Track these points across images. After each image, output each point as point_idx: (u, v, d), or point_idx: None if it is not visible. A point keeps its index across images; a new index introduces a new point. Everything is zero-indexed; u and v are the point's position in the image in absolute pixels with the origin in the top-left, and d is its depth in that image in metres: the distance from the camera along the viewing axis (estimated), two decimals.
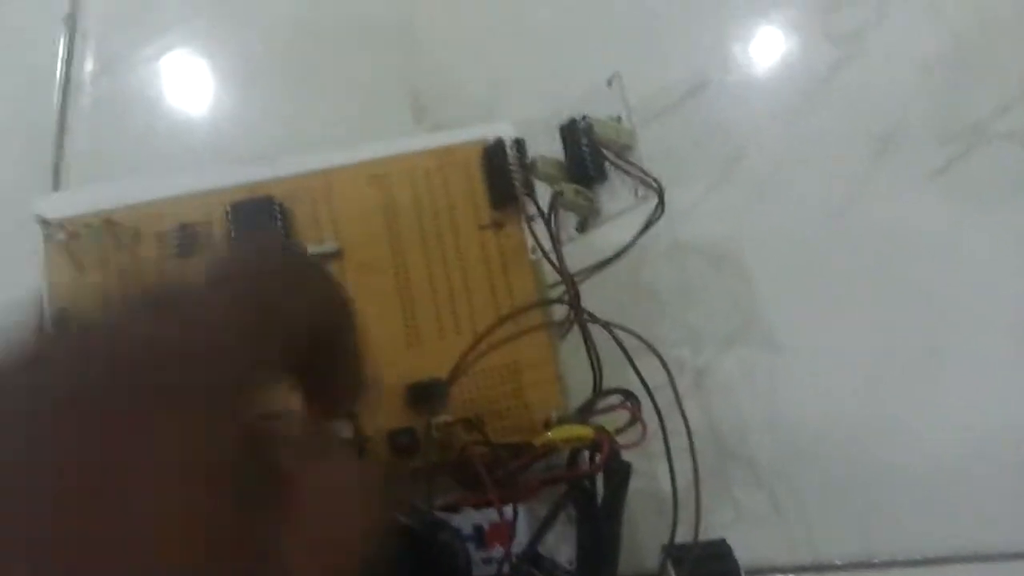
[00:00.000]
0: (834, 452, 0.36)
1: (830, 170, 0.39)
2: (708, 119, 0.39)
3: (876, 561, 0.35)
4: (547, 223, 0.30)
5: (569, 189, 0.30)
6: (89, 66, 0.42)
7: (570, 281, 0.29)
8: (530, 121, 0.37)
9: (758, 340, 0.37)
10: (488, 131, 0.35)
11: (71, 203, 0.35)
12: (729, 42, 0.41)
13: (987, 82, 0.41)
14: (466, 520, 0.29)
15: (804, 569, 0.35)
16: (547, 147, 0.34)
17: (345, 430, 0.30)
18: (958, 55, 0.41)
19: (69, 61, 0.42)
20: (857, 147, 0.39)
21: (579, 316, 0.29)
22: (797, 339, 0.38)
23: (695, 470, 0.30)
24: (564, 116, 0.32)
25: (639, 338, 0.30)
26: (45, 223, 0.34)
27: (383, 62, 0.40)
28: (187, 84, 0.41)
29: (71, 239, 0.33)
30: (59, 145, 0.40)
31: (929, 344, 0.37)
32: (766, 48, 0.41)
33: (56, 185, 0.39)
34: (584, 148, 0.30)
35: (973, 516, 0.35)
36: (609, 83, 0.31)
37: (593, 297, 0.33)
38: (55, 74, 0.42)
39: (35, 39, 0.43)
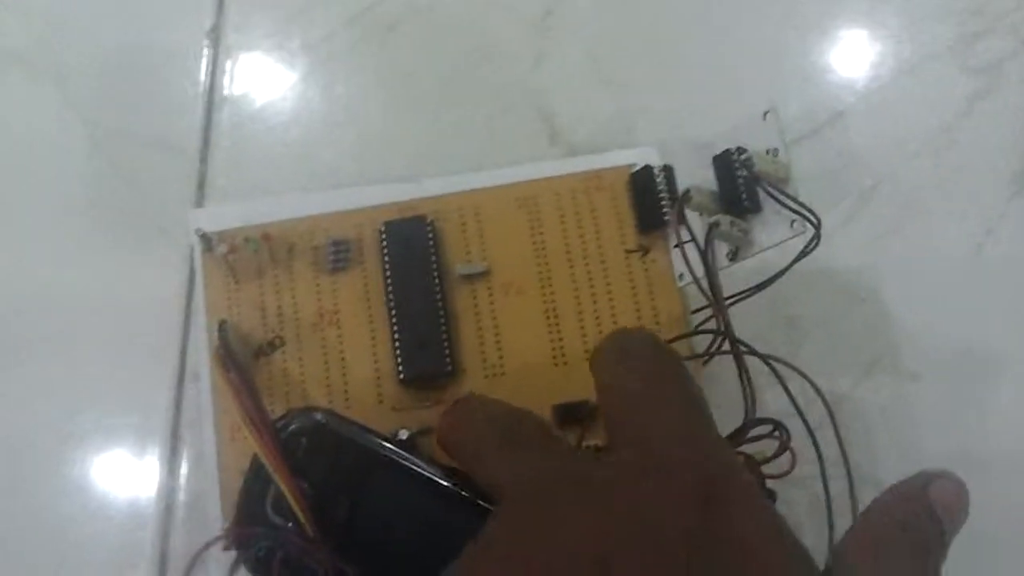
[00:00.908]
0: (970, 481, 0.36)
1: (966, 204, 0.39)
2: (846, 148, 0.39)
3: None
4: (702, 253, 0.30)
5: (725, 220, 0.30)
6: (232, 81, 0.43)
7: (725, 311, 0.29)
8: (667, 145, 0.38)
9: (896, 367, 0.37)
10: (633, 156, 0.36)
11: (227, 217, 0.36)
12: (867, 70, 0.41)
13: None
14: None
15: None
16: (687, 172, 0.35)
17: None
18: None
19: (213, 75, 0.44)
20: (994, 182, 0.39)
21: (734, 346, 0.29)
22: (933, 369, 0.37)
23: (827, 498, 0.30)
24: (717, 147, 0.32)
25: (794, 368, 0.30)
26: (205, 237, 0.35)
27: (517, 83, 0.41)
28: (328, 101, 0.42)
29: (230, 252, 0.35)
30: (203, 160, 0.41)
31: None
32: (904, 78, 0.41)
33: (200, 199, 0.40)
34: (740, 180, 0.31)
35: None
36: (765, 116, 0.31)
37: (734, 323, 0.33)
38: (199, 88, 0.43)
39: (179, 52, 0.44)
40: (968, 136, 0.40)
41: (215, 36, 0.44)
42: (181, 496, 0.36)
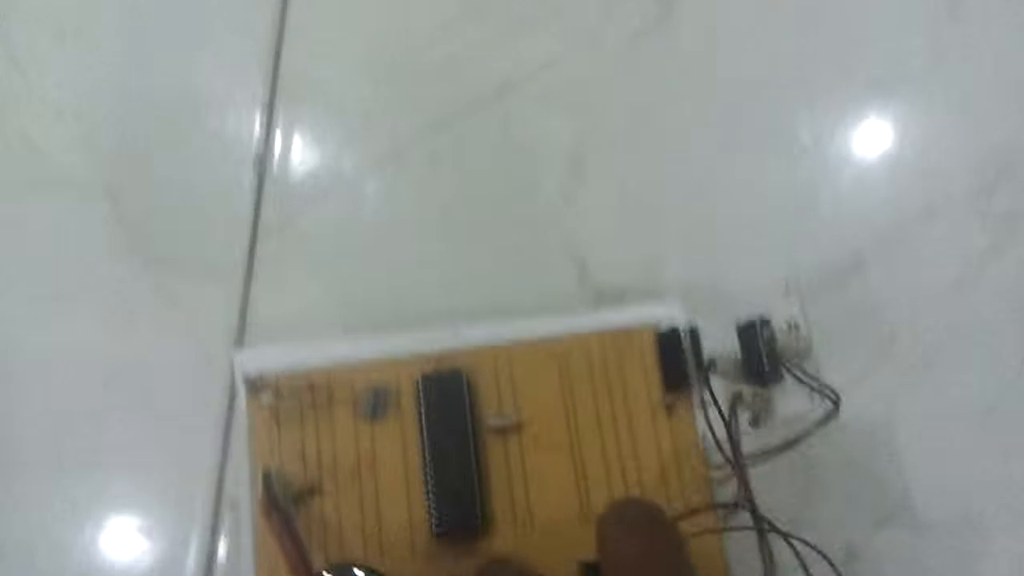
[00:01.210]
0: None
1: (981, 361, 0.40)
2: (862, 299, 0.41)
3: None
4: (726, 422, 0.32)
5: (748, 392, 0.32)
6: (277, 210, 0.45)
7: (747, 486, 0.31)
8: (692, 294, 0.39)
9: (907, 521, 0.38)
10: (659, 312, 0.37)
11: (269, 359, 0.38)
12: (888, 215, 0.43)
13: None
14: None
15: None
16: (711, 330, 0.36)
17: None
18: None
19: (258, 204, 0.46)
20: (1009, 341, 0.40)
21: (759, 524, 0.30)
22: (945, 519, 0.38)
23: None
24: (740, 309, 0.34)
25: (814, 548, 0.32)
26: (252, 383, 0.37)
27: (550, 223, 0.43)
28: (366, 235, 0.44)
29: (276, 399, 0.36)
30: (245, 296, 0.43)
31: None
32: (921, 228, 0.42)
33: (242, 329, 0.42)
34: (763, 353, 0.32)
35: None
36: (786, 291, 0.33)
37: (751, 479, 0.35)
38: (246, 218, 0.45)
39: (224, 180, 0.46)
40: (983, 292, 0.41)
41: (261, 167, 0.46)
42: None
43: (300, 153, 0.47)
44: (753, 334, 0.33)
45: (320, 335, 0.40)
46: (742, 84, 0.45)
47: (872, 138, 0.44)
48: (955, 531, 0.38)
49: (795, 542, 0.31)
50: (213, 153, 0.47)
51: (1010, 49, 0.45)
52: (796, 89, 0.44)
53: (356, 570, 0.31)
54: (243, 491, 0.37)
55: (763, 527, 0.30)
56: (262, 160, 0.47)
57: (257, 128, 0.46)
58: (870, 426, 0.39)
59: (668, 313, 0.37)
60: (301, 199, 0.45)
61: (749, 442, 0.34)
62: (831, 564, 0.32)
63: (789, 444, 0.33)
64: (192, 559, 0.38)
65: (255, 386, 0.37)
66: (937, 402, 0.39)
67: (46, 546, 0.39)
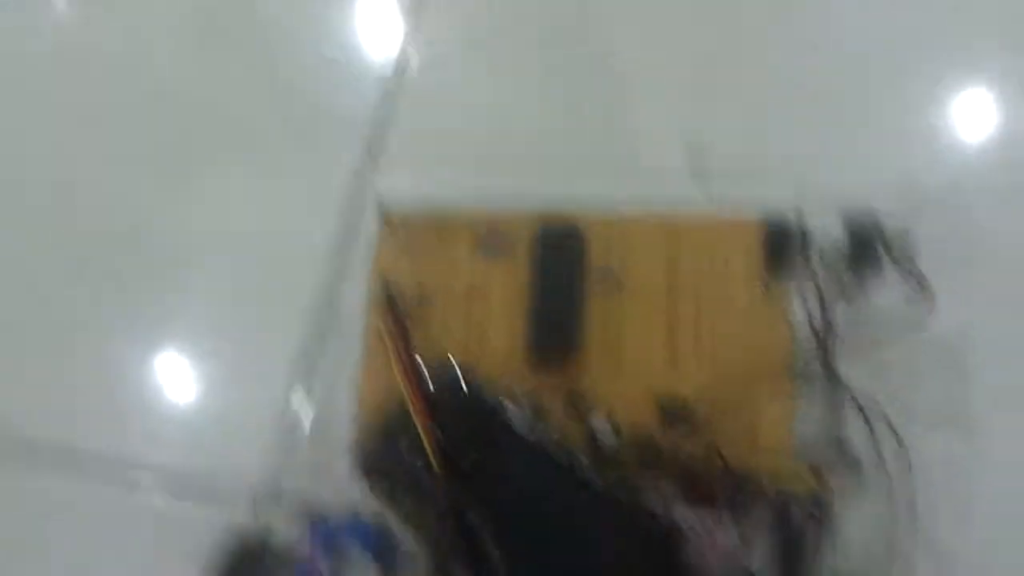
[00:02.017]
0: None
1: None
2: (962, 223, 0.42)
3: None
4: (822, 304, 0.34)
5: (846, 276, 0.34)
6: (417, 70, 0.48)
7: (830, 350, 0.33)
8: (807, 190, 0.41)
9: (967, 428, 0.40)
10: (772, 199, 0.40)
11: (402, 187, 0.42)
12: (986, 153, 0.44)
13: None
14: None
15: None
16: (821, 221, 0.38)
17: (605, 430, 0.35)
18: None
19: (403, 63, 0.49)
20: None
21: (837, 383, 0.33)
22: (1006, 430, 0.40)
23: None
24: (852, 206, 0.36)
25: (880, 412, 0.34)
26: (382, 204, 0.40)
27: (672, 114, 0.46)
28: (502, 106, 0.47)
29: (405, 223, 0.40)
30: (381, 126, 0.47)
31: None
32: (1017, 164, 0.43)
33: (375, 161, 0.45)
34: (872, 245, 0.34)
35: None
36: (900, 190, 0.35)
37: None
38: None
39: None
40: None
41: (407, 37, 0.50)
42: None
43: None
44: (861, 227, 0.35)
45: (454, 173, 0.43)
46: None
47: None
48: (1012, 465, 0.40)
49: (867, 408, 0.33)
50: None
51: None
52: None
53: (463, 374, 0.34)
54: (356, 304, 0.41)
55: (842, 392, 0.33)
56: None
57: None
58: (946, 339, 0.40)
59: (778, 198, 0.39)
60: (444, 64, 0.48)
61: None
62: (894, 432, 0.34)
63: (878, 340, 0.35)
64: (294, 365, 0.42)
65: (386, 209, 0.40)
66: (1015, 323, 0.41)
67: None
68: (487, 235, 0.40)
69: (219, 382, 0.43)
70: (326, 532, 0.35)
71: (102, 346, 0.45)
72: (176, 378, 0.44)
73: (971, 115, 0.45)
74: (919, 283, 0.33)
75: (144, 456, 0.42)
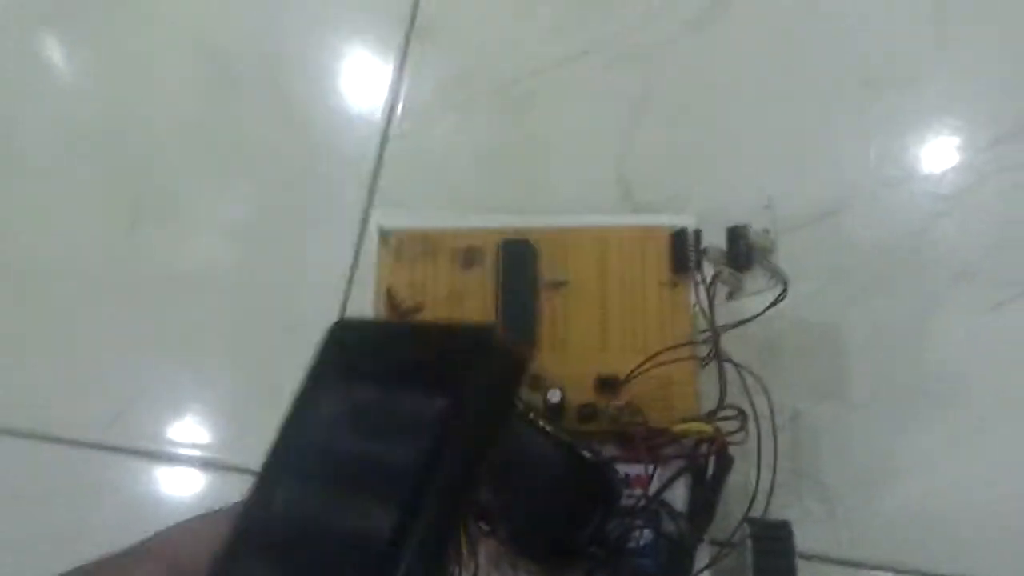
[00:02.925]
0: (884, 485, 0.51)
1: (918, 291, 0.54)
2: (838, 235, 0.55)
3: (900, 568, 0.50)
4: (707, 290, 0.46)
5: (726, 271, 0.46)
6: (404, 121, 0.61)
7: (715, 329, 0.45)
8: (703, 214, 0.54)
9: (843, 397, 0.52)
10: (677, 219, 0.52)
11: (396, 218, 0.54)
12: (858, 180, 0.56)
13: None
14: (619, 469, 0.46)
15: (842, 563, 0.50)
16: (711, 234, 0.50)
17: (556, 396, 0.47)
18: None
19: (390, 113, 0.62)
20: (937, 276, 0.54)
21: (719, 354, 0.45)
22: (872, 402, 0.52)
23: (773, 475, 0.46)
24: (732, 221, 0.48)
25: (755, 377, 0.46)
26: (383, 231, 0.53)
27: (604, 153, 0.58)
28: (472, 149, 0.59)
29: (399, 244, 0.52)
30: (377, 172, 0.59)
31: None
32: (883, 190, 0.56)
33: (372, 200, 0.58)
34: (741, 245, 0.47)
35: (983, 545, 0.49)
36: (765, 206, 0.47)
37: (731, 346, 0.49)
38: (380, 118, 0.61)
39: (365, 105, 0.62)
40: (925, 242, 0.55)
41: (395, 89, 0.62)
42: None
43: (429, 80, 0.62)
44: (736, 233, 0.47)
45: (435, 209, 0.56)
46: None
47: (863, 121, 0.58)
48: (882, 409, 0.52)
49: (744, 372, 0.45)
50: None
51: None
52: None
53: None
54: (367, 310, 0.53)
55: (721, 357, 0.45)
56: (395, 85, 0.62)
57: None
58: (826, 326, 0.53)
59: (684, 221, 0.51)
60: (426, 116, 0.61)
61: (727, 314, 0.48)
62: (764, 389, 0.46)
63: (753, 317, 0.47)
64: None
65: (385, 233, 0.53)
66: (878, 312, 0.53)
67: None
68: (463, 251, 0.52)
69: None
70: None
71: None
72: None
73: (836, 145, 0.57)
74: (776, 275, 0.45)
75: None
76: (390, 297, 0.50)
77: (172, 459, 0.55)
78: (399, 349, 0.28)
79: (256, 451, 0.25)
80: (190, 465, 0.55)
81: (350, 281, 0.56)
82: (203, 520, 0.26)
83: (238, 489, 0.25)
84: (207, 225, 0.60)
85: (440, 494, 0.23)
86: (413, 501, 0.22)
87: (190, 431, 0.55)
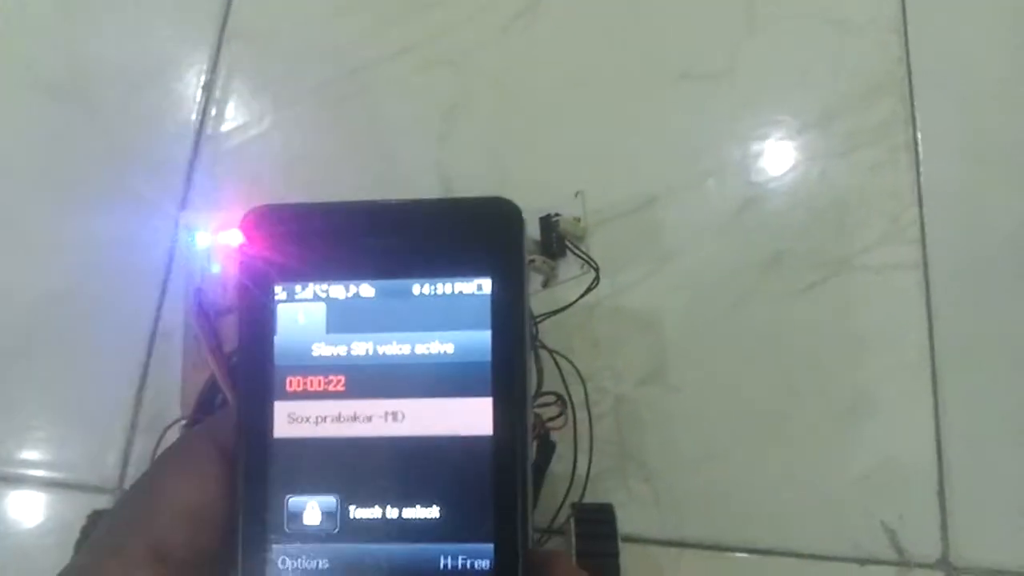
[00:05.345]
0: (705, 466, 0.52)
1: (733, 276, 0.56)
2: (654, 225, 0.56)
3: (722, 545, 0.51)
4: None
5: (539, 259, 0.47)
6: (219, 121, 0.59)
7: (531, 317, 0.46)
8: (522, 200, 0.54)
9: (664, 382, 0.54)
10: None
11: (202, 218, 0.52)
12: (673, 171, 0.58)
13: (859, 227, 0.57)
14: None
15: (666, 543, 0.51)
16: (529, 227, 0.51)
17: None
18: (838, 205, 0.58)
19: (204, 113, 0.60)
20: (753, 262, 0.56)
21: (533, 341, 0.45)
22: (692, 385, 0.54)
23: (590, 459, 0.46)
24: (543, 211, 0.49)
25: (571, 364, 0.47)
26: (189, 229, 0.51)
27: (423, 151, 0.58)
28: (292, 148, 0.58)
29: (208, 244, 0.50)
30: (190, 172, 0.57)
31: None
32: (697, 179, 0.58)
33: (184, 202, 0.56)
34: (553, 234, 0.47)
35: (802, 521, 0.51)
36: (576, 195, 0.48)
37: (550, 334, 0.50)
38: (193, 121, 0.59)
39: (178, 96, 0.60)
40: (740, 226, 0.57)
41: (208, 89, 0.60)
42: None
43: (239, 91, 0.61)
44: (548, 222, 0.48)
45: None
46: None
47: (678, 117, 0.60)
48: (698, 391, 0.54)
49: (558, 357, 0.46)
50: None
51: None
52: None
53: None
54: (177, 320, 0.51)
55: (536, 344, 0.45)
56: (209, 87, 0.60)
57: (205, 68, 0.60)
58: (644, 313, 0.54)
59: None
60: (240, 112, 0.59)
61: (544, 301, 0.49)
62: (580, 376, 0.46)
63: (569, 305, 0.48)
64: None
65: (192, 233, 0.51)
66: (696, 301, 0.55)
67: None
68: None
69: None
70: None
71: None
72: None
73: (651, 136, 0.59)
74: (588, 262, 0.46)
75: None
76: (199, 296, 0.48)
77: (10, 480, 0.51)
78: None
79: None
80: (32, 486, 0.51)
81: (163, 291, 0.54)
82: None
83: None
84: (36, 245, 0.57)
85: None
86: None
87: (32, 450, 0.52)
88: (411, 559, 0.24)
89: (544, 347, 0.46)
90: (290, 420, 0.24)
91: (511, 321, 0.23)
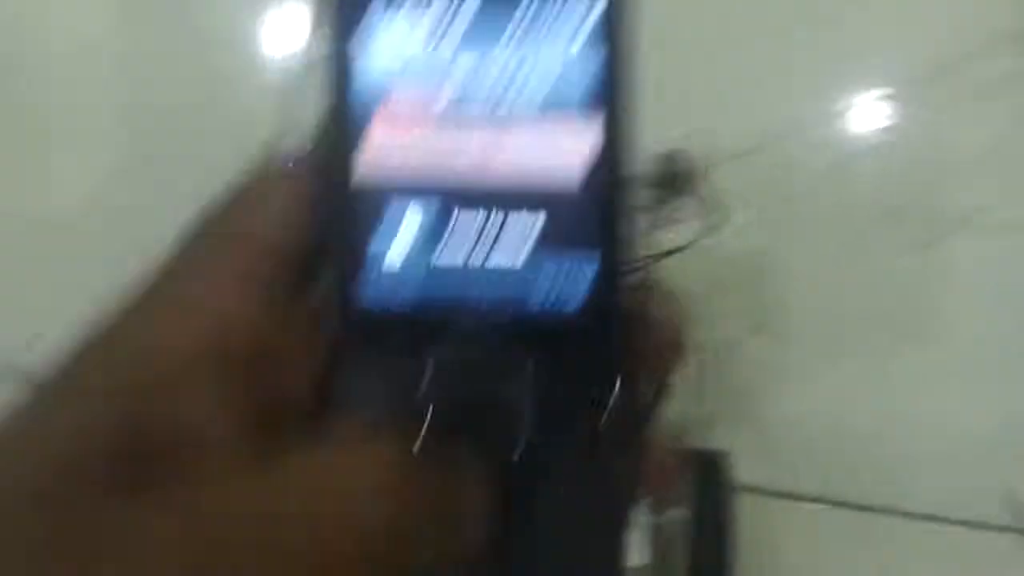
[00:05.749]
0: (819, 417, 0.51)
1: (848, 228, 0.54)
2: (768, 170, 0.54)
3: (834, 500, 0.50)
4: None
5: (659, 197, 0.46)
6: None
7: (648, 256, 0.45)
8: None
9: (778, 331, 0.52)
10: None
11: None
12: (792, 113, 0.56)
13: None
14: None
15: (777, 495, 0.50)
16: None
17: None
18: None
19: None
20: (870, 216, 0.54)
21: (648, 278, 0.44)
22: (807, 336, 0.52)
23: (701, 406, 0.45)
24: (663, 150, 0.47)
25: (686, 306, 0.45)
26: None
27: None
28: None
29: None
30: None
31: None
32: (813, 126, 0.56)
33: None
34: (673, 172, 0.46)
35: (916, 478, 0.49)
36: (687, 137, 0.47)
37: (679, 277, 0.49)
38: None
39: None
40: (861, 171, 0.55)
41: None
42: None
43: None
44: (670, 160, 0.46)
45: None
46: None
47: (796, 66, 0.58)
48: (813, 347, 0.52)
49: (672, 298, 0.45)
50: None
51: None
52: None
53: None
54: None
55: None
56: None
57: None
58: (754, 259, 0.53)
59: None
60: None
61: (658, 242, 0.48)
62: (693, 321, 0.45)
63: (685, 247, 0.46)
64: None
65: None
66: (805, 252, 0.53)
67: None
68: None
69: None
70: None
71: None
72: None
73: (771, 82, 0.58)
74: (708, 204, 0.45)
75: None
76: None
77: None
78: None
79: None
80: None
81: None
82: None
83: None
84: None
85: None
86: None
87: None
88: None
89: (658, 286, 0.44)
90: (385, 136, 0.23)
91: (623, 40, 0.22)
